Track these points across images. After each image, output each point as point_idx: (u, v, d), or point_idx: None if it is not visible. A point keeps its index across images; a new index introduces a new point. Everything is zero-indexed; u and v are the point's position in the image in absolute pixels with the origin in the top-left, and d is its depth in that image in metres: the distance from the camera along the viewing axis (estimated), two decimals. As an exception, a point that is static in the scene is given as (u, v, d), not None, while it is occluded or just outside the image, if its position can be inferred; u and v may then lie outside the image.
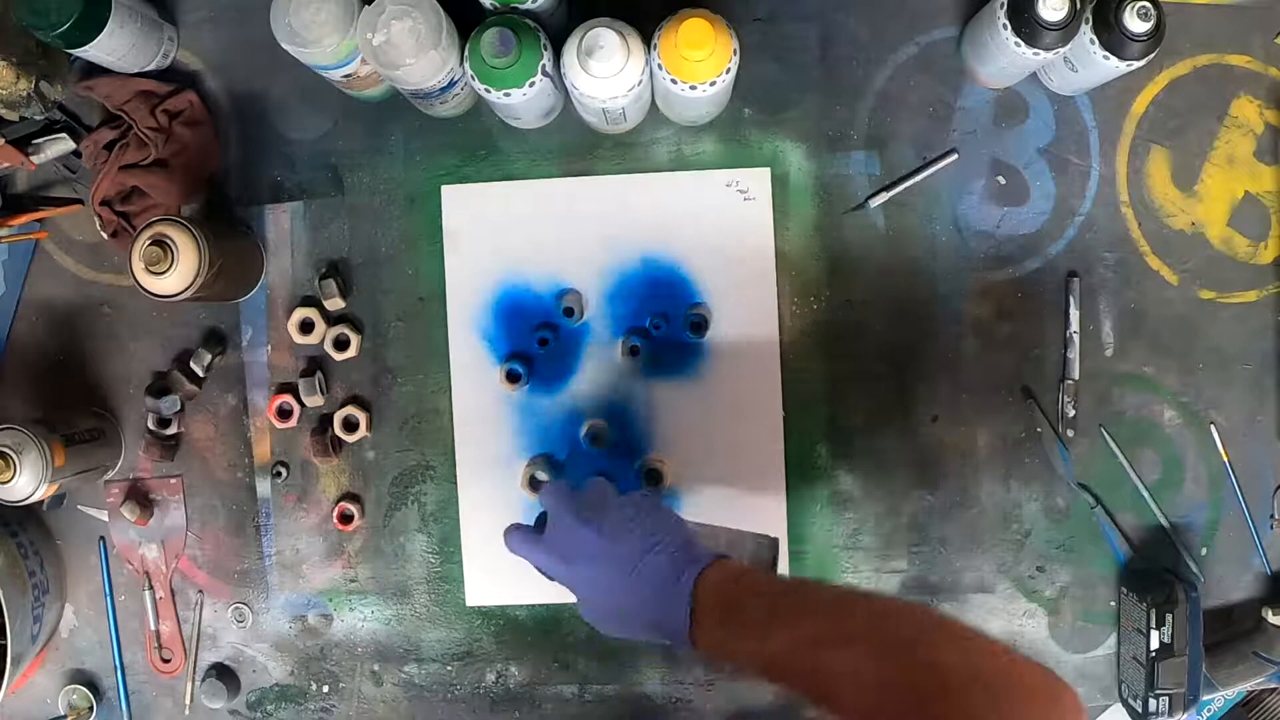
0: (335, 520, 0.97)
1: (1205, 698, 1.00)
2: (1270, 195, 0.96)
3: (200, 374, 0.96)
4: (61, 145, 0.95)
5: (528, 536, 0.79)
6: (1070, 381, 0.95)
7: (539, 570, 0.79)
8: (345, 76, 0.88)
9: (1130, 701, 0.95)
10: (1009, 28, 0.84)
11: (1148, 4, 0.82)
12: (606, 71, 0.80)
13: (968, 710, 0.59)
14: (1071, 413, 0.95)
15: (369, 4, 0.80)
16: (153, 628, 0.98)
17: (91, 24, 0.85)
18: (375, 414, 0.97)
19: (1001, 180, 0.96)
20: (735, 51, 0.81)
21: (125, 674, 0.98)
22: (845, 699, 0.64)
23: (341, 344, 0.96)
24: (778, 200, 0.96)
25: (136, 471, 0.98)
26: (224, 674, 0.98)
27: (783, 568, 0.96)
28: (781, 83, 0.96)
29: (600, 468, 0.96)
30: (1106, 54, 0.84)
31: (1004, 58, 0.87)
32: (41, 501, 0.91)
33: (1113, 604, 0.97)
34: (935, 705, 0.60)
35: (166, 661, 0.98)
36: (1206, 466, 0.97)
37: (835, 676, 0.65)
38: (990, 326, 0.96)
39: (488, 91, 0.82)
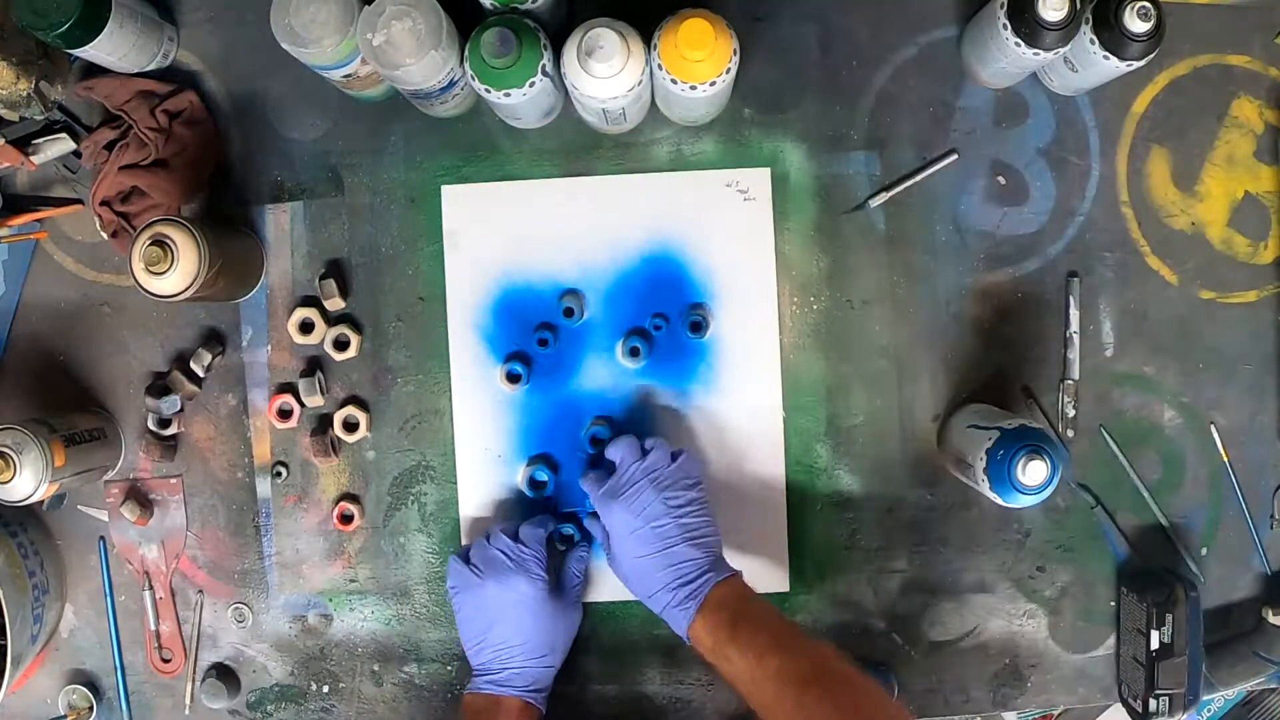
0: (335, 520, 0.97)
1: (1205, 698, 1.00)
2: (1270, 195, 0.96)
3: (200, 374, 0.96)
4: (61, 145, 0.95)
5: (600, 477, 0.90)
6: (1070, 381, 0.95)
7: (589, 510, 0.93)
8: (345, 76, 0.88)
9: (1130, 701, 0.95)
10: (1009, 28, 0.84)
11: (1148, 4, 0.82)
12: (606, 71, 0.80)
13: None
14: (1071, 413, 0.95)
15: (369, 4, 0.80)
16: (153, 628, 0.98)
17: (91, 24, 0.85)
18: (375, 414, 0.97)
19: (1001, 180, 0.96)
20: (735, 51, 0.81)
21: (125, 674, 0.98)
22: None
23: (341, 344, 0.96)
24: (778, 200, 0.96)
25: (136, 471, 0.98)
26: (224, 674, 0.98)
27: (781, 568, 0.97)
28: (781, 83, 0.96)
29: (600, 468, 0.96)
30: (1106, 54, 0.84)
31: (1004, 58, 0.87)
32: (41, 501, 0.91)
33: (1113, 604, 0.97)
34: None
35: (166, 661, 0.98)
36: (1206, 466, 0.97)
37: (813, 717, 0.76)
38: (990, 326, 0.96)
39: (488, 91, 0.82)
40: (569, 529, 0.95)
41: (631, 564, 0.87)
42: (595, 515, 0.92)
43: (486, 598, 0.88)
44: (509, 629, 0.88)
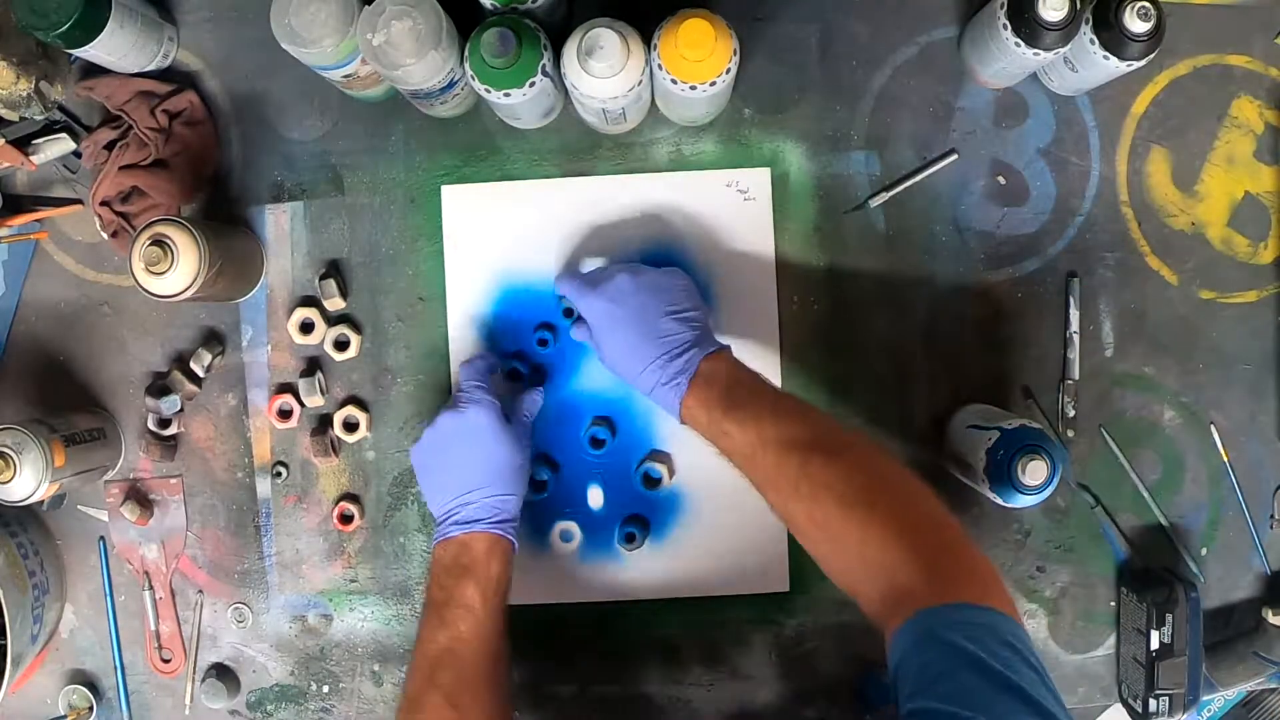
0: (335, 520, 0.97)
1: (1205, 698, 1.00)
2: (1270, 195, 0.96)
3: (200, 374, 0.96)
4: (61, 145, 0.95)
5: (575, 275, 0.90)
6: (1070, 381, 0.95)
7: (571, 310, 0.92)
8: (345, 76, 0.88)
9: (1130, 701, 0.95)
10: (1009, 28, 0.84)
11: (1148, 4, 0.82)
12: (606, 71, 0.80)
13: (939, 563, 0.68)
14: (1071, 413, 0.95)
15: (369, 4, 0.80)
16: (153, 628, 0.98)
17: (91, 24, 0.85)
18: (375, 414, 0.97)
19: (1001, 180, 0.96)
20: (735, 51, 0.81)
21: (125, 674, 0.98)
22: (820, 504, 0.73)
23: (341, 344, 0.96)
24: (778, 200, 0.96)
25: (136, 471, 0.98)
26: (224, 674, 0.98)
27: (781, 568, 0.96)
28: (781, 83, 0.96)
29: (600, 468, 0.96)
30: (1106, 54, 0.84)
31: (1004, 58, 0.87)
32: (41, 501, 0.91)
33: (1113, 604, 0.97)
34: (918, 540, 0.69)
35: (166, 661, 0.98)
36: (1206, 466, 0.97)
37: (819, 482, 0.74)
38: (990, 326, 0.96)
39: (488, 91, 0.82)
40: (516, 365, 0.95)
41: (618, 348, 0.85)
42: (577, 322, 0.91)
43: (440, 435, 0.86)
44: (465, 457, 0.86)
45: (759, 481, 0.78)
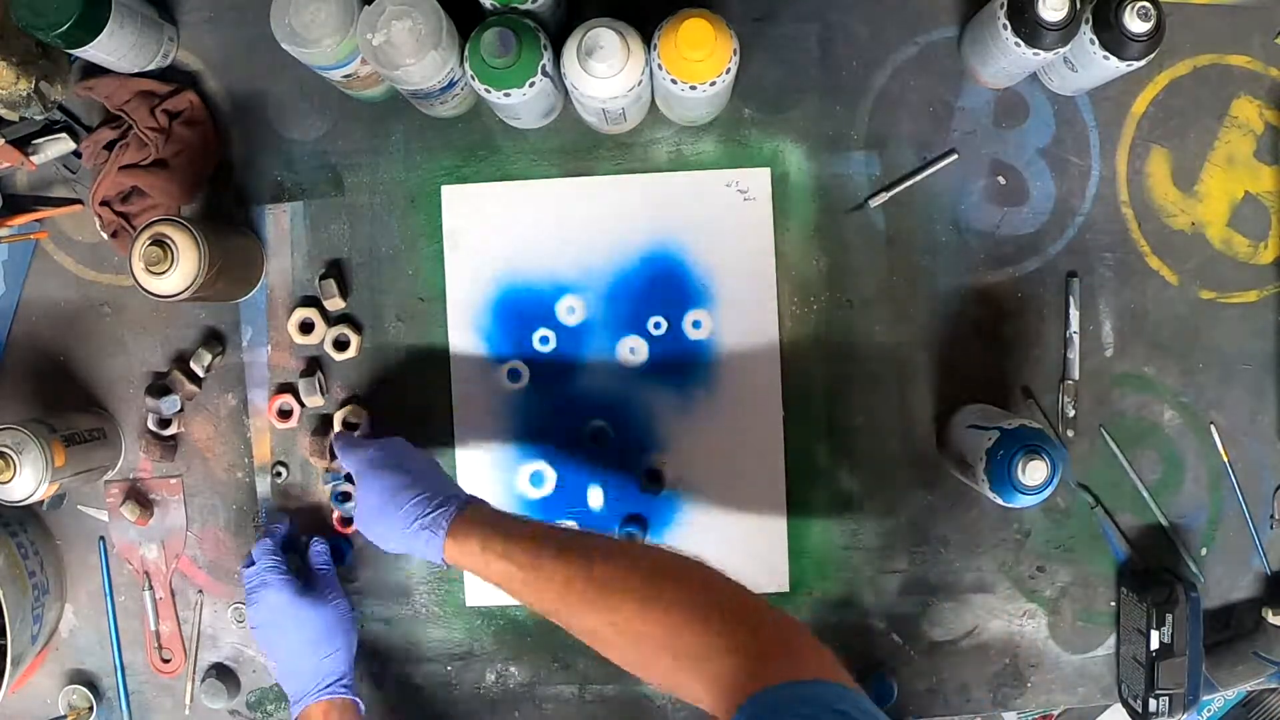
0: (335, 521, 0.97)
1: (1205, 698, 1.00)
2: (1270, 195, 0.96)
3: (200, 374, 0.96)
4: (61, 145, 0.95)
5: (351, 444, 0.89)
6: (1070, 381, 0.95)
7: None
8: (345, 76, 0.88)
9: (1130, 701, 0.95)
10: (1009, 28, 0.84)
11: (1148, 4, 0.82)
12: (606, 71, 0.80)
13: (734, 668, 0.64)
14: (1071, 413, 0.95)
15: (369, 4, 0.80)
16: (153, 628, 0.98)
17: (91, 24, 0.85)
18: (375, 414, 0.97)
19: (1001, 180, 0.96)
20: (735, 51, 0.81)
21: (125, 674, 0.98)
22: (616, 606, 0.71)
23: (341, 344, 0.96)
24: (778, 200, 0.96)
25: (136, 471, 0.98)
26: (224, 674, 0.98)
27: (781, 568, 0.96)
28: (781, 83, 0.96)
29: (600, 468, 0.96)
30: (1106, 54, 0.84)
31: (1004, 58, 0.87)
32: (41, 501, 0.91)
33: (1113, 604, 0.97)
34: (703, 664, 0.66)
35: (166, 661, 0.98)
36: (1206, 466, 0.97)
37: (608, 584, 0.72)
38: (990, 326, 0.96)
39: (488, 91, 0.82)
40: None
41: (383, 490, 0.83)
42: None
43: (255, 623, 0.89)
44: (279, 639, 0.88)
45: (549, 602, 0.75)
